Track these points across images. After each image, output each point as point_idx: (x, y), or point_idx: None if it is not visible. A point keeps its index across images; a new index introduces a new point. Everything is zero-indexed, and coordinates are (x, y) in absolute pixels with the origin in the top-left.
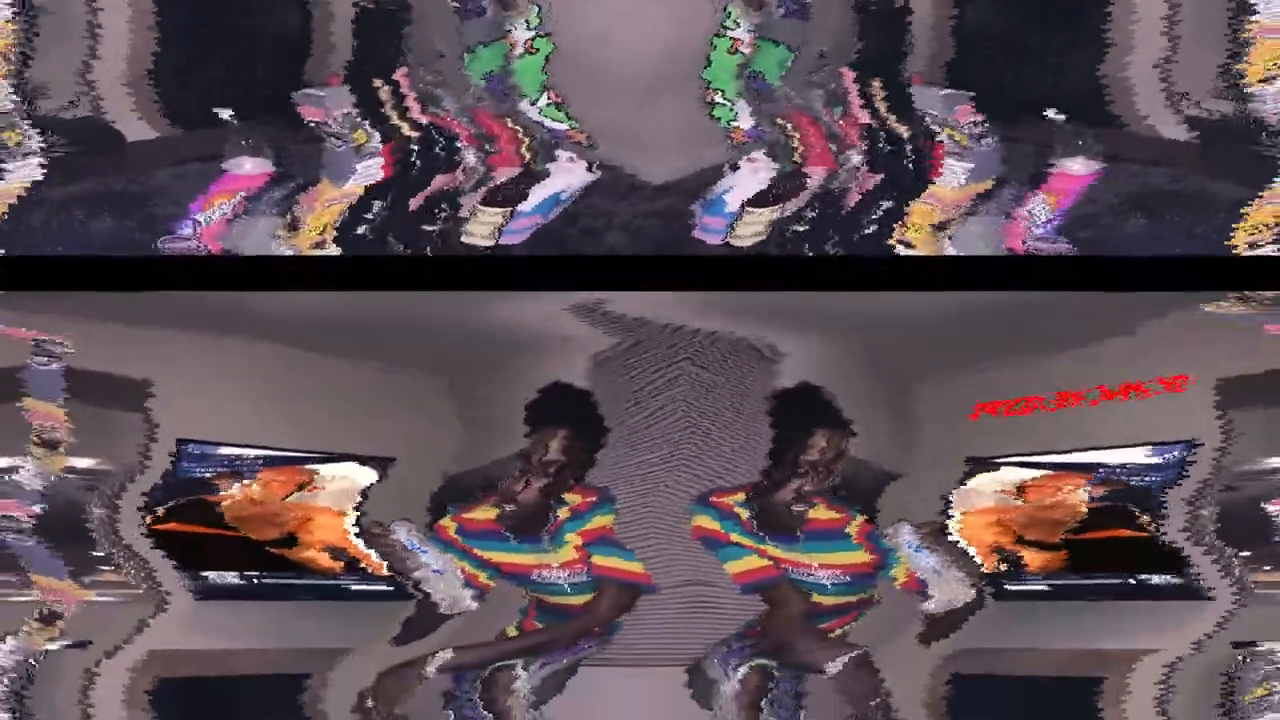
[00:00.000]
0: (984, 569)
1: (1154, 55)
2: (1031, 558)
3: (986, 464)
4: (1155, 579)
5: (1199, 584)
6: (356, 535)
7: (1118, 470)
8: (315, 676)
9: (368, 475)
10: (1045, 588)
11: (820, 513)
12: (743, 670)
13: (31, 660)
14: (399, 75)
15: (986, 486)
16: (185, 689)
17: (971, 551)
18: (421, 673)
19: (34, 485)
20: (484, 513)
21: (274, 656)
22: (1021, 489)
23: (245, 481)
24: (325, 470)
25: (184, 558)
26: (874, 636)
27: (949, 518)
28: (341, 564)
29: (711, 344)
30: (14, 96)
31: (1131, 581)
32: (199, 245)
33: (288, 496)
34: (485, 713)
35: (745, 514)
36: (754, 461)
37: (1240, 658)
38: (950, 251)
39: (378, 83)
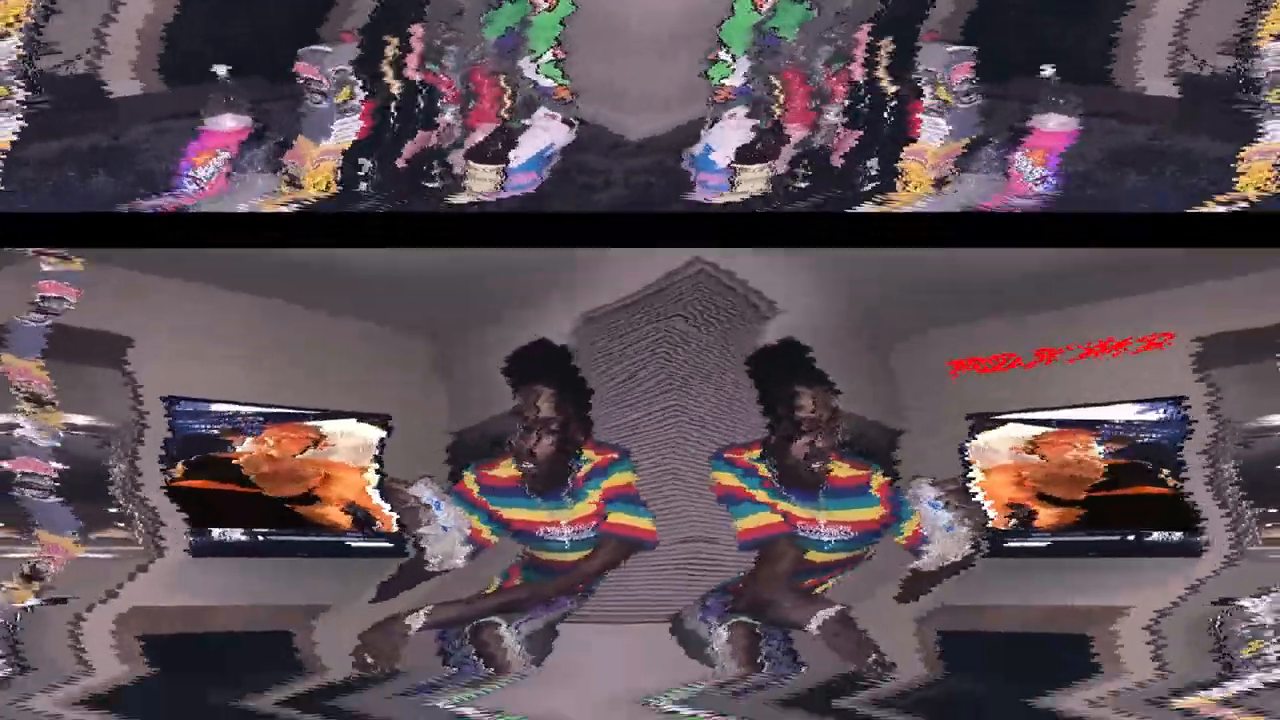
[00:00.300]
0: (994, 525)
1: (1174, 11)
2: (1046, 514)
3: (988, 420)
4: (1156, 535)
5: (1199, 540)
6: (377, 489)
7: (1122, 427)
8: (300, 634)
9: (375, 433)
10: (1044, 545)
11: (840, 469)
12: (724, 627)
13: (10, 619)
14: (414, 29)
15: (1001, 444)
16: (173, 644)
17: (987, 508)
18: (404, 630)
19: (43, 442)
20: (506, 469)
21: (258, 613)
22: (1036, 446)
23: (254, 438)
24: (329, 427)
25: (200, 514)
26: (852, 593)
27: (970, 475)
28: (352, 520)
29: (701, 301)
30: (19, 52)
31: (1130, 538)
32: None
33: (303, 452)
34: (485, 668)
35: (766, 470)
36: (754, 419)
37: (1219, 616)
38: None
39: (389, 38)
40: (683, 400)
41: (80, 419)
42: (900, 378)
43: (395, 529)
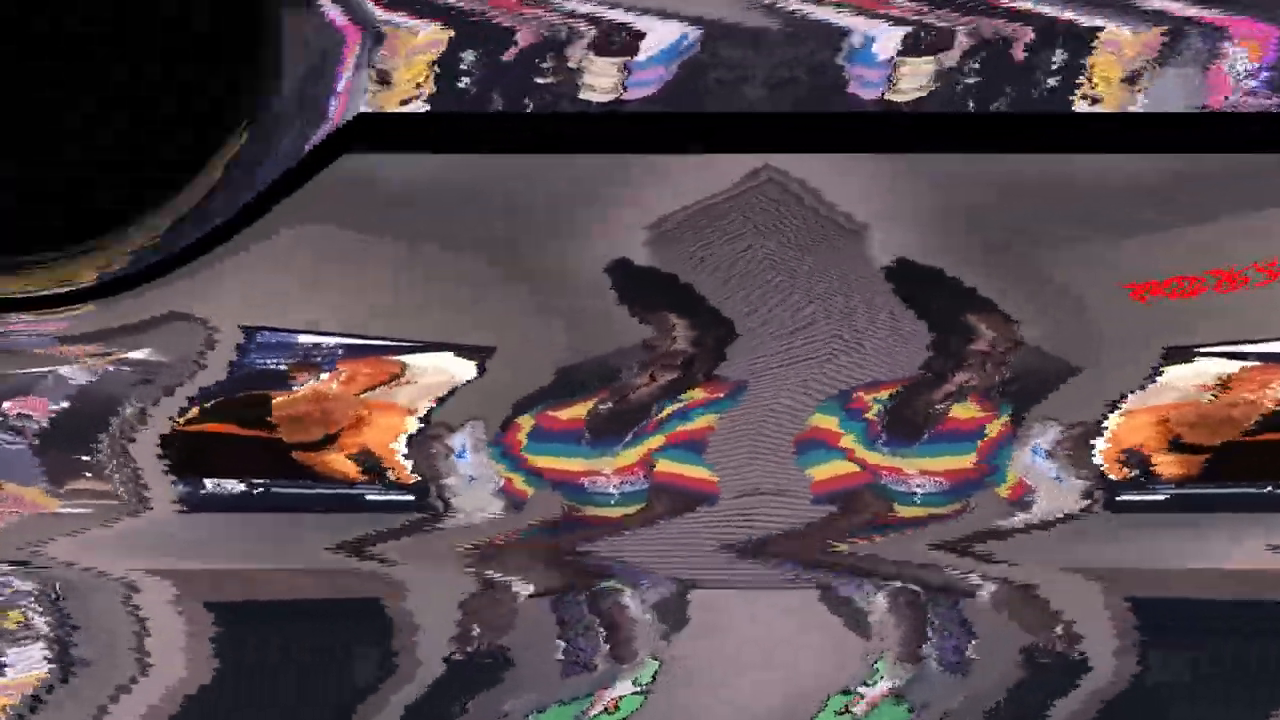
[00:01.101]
0: (1107, 475)
1: None
2: (1164, 464)
3: (1186, 354)
4: None
5: None
6: (412, 436)
7: None
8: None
9: (465, 369)
10: (1164, 498)
11: (963, 410)
12: (879, 594)
13: None
14: None
15: (1183, 381)
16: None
17: (1099, 458)
18: (512, 597)
19: (76, 379)
20: (574, 412)
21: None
22: (1224, 384)
23: (327, 373)
24: (416, 360)
25: (190, 464)
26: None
27: (1108, 420)
28: (361, 469)
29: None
30: None
31: (1270, 490)
32: None
33: (371, 390)
34: (604, 644)
35: (874, 415)
36: (909, 353)
37: None
38: (1140, 108)
39: None
40: (821, 332)
41: (136, 354)
42: (1077, 305)
43: (413, 479)
